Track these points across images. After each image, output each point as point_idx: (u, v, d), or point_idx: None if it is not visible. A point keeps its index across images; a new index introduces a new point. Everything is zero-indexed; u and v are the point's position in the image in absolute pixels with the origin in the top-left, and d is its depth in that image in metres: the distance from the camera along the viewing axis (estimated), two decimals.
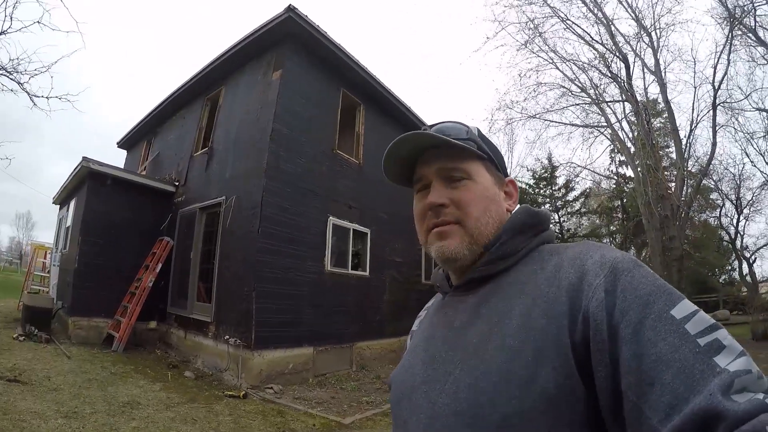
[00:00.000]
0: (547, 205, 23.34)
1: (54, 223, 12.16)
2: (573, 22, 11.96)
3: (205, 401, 5.25)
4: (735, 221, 17.71)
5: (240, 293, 6.78)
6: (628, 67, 11.48)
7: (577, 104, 13.35)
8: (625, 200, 23.24)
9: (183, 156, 9.85)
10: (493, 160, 0.81)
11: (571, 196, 24.60)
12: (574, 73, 12.72)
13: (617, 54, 11.50)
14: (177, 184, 9.64)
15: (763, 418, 0.41)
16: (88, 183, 8.51)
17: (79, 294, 7.95)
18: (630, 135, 12.85)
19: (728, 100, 11.49)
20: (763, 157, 15.28)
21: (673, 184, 12.80)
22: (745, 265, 18.22)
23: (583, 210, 25.36)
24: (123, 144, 13.56)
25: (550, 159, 22.86)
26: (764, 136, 14.30)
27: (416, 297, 11.13)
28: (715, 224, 18.56)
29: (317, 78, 8.65)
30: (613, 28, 11.46)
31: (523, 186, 23.28)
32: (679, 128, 11.88)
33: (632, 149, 12.77)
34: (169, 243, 8.92)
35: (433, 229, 0.77)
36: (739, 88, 12.99)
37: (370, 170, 9.79)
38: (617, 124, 12.75)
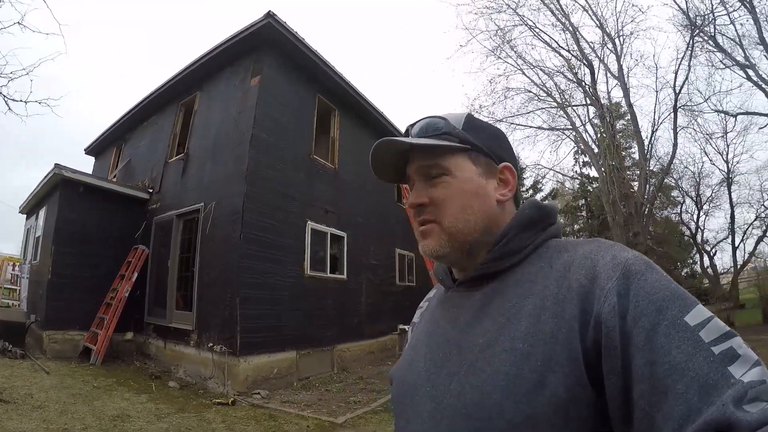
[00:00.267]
0: None
1: (14, 233, 11.78)
2: (541, 30, 12.37)
3: (195, 410, 5.24)
4: (695, 217, 18.68)
5: (223, 300, 6.76)
6: (593, 73, 11.97)
7: (544, 108, 13.78)
8: (589, 199, 23.99)
9: (156, 162, 9.69)
10: (481, 149, 0.77)
11: (538, 197, 25.24)
12: (540, 79, 13.15)
13: (583, 60, 11.96)
14: (151, 191, 9.47)
15: None
16: (60, 191, 8.26)
17: (53, 306, 7.70)
18: (594, 137, 13.37)
19: (688, 104, 12.13)
20: (721, 155, 16.22)
21: (636, 183, 13.35)
22: (706, 258, 19.03)
23: None
24: (91, 150, 13.17)
25: (517, 161, 23.26)
26: (722, 136, 15.19)
27: (392, 299, 11.37)
28: (676, 220, 19.34)
29: (294, 84, 8.72)
30: (578, 35, 11.91)
31: None
32: (641, 130, 12.43)
33: (596, 150, 13.27)
34: (144, 251, 8.78)
35: (419, 227, 0.77)
36: (699, 91, 13.75)
37: (345, 175, 9.93)
38: (582, 127, 13.23)
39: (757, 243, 17.40)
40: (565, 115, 13.18)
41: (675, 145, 11.57)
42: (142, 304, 8.56)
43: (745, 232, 18.07)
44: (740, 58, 11.15)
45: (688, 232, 18.69)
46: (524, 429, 0.56)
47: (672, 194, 18.86)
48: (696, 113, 12.94)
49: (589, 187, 22.95)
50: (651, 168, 12.88)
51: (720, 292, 16.76)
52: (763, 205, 17.42)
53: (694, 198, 18.05)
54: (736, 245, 17.95)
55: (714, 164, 17.48)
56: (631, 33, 11.91)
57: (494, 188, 0.76)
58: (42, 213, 9.30)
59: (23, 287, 10.78)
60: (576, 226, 26.39)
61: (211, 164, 8.13)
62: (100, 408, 4.87)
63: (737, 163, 17.14)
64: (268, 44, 7.95)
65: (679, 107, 11.33)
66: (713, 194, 18.16)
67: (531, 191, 24.83)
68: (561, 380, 0.55)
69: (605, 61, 12.25)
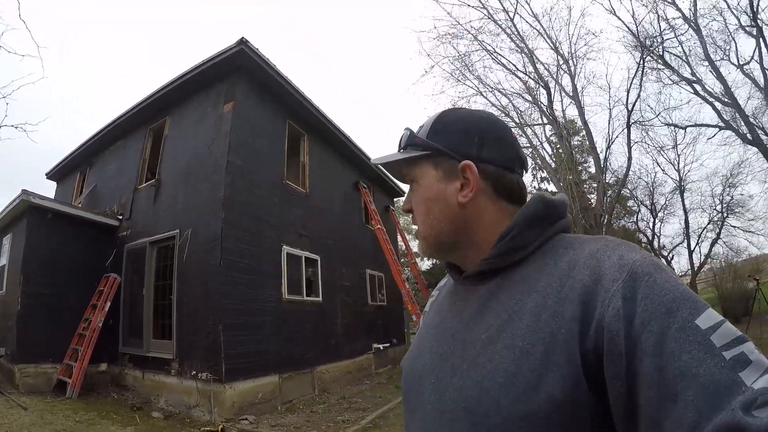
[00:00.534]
0: None
1: None
2: (499, 54, 12.97)
3: None
4: (651, 224, 19.45)
5: (204, 327, 6.77)
6: (549, 94, 12.61)
7: None
8: None
9: (125, 188, 9.56)
10: (444, 152, 0.77)
11: None
12: (499, 101, 13.73)
13: (539, 82, 12.60)
14: (120, 217, 9.33)
15: None
16: (27, 218, 8.01)
17: (24, 339, 7.43)
18: (551, 153, 14.06)
19: (640, 120, 12.99)
20: (673, 165, 17.30)
21: (593, 195, 14.07)
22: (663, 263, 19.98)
23: None
24: (53, 175, 12.76)
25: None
26: (673, 147, 16.27)
27: (365, 319, 11.60)
28: (633, 228, 20.04)
29: (265, 109, 8.89)
30: (535, 58, 12.55)
31: None
32: (596, 146, 13.16)
33: (553, 165, 13.93)
34: (116, 279, 8.61)
35: None
36: (650, 107, 14.76)
37: (315, 199, 10.18)
38: (540, 145, 13.87)
39: (712, 245, 18.33)
40: (523, 135, 13.78)
41: (629, 158, 12.32)
42: (116, 333, 8.36)
43: (699, 236, 18.95)
44: (687, 75, 12.07)
45: (645, 239, 19.37)
46: (521, 427, 0.56)
47: (628, 204, 19.69)
48: (647, 127, 13.89)
49: None
50: (607, 180, 13.64)
51: None
52: (715, 209, 18.36)
53: (649, 206, 18.91)
54: (692, 249, 18.82)
55: (666, 174, 18.47)
56: (585, 55, 12.66)
57: (456, 190, 0.75)
58: (6, 241, 8.98)
59: None
60: None
61: (184, 190, 8.12)
62: None
63: (688, 171, 18.16)
64: (240, 70, 8.10)
65: (632, 123, 12.11)
66: (667, 202, 19.01)
67: None
68: (558, 381, 0.55)
69: (560, 82, 12.96)
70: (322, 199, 10.54)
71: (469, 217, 0.75)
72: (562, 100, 13.38)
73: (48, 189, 13.02)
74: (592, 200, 13.36)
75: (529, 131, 13.45)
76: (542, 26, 12.48)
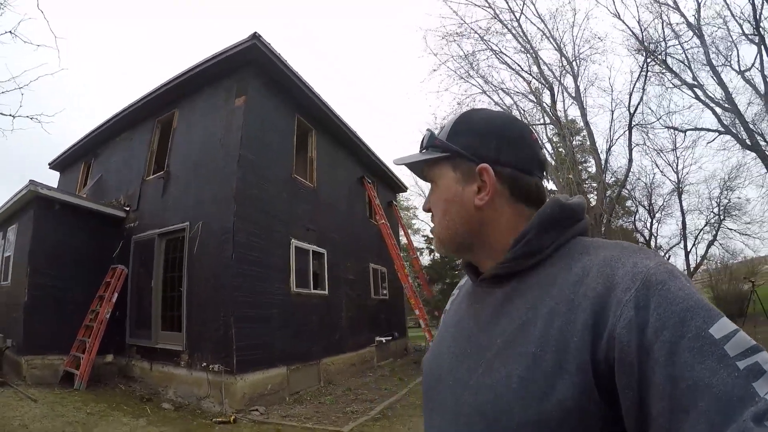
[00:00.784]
0: None
1: None
2: (504, 54, 13.07)
3: (201, 430, 5.31)
4: (649, 224, 19.72)
5: (216, 319, 6.82)
6: (553, 94, 12.75)
7: None
8: None
9: (132, 180, 9.55)
10: (463, 154, 0.77)
11: None
12: (502, 100, 13.85)
13: (543, 83, 12.72)
14: (128, 209, 9.33)
15: None
16: (34, 209, 7.99)
17: (31, 330, 7.42)
18: (551, 151, 14.21)
19: (642, 122, 13.17)
20: (671, 167, 17.52)
21: (593, 195, 14.24)
22: None
23: None
24: (56, 165, 12.69)
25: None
26: (673, 150, 16.48)
27: (368, 312, 11.70)
28: (630, 229, 20.25)
29: (276, 104, 8.91)
30: (540, 59, 12.66)
31: None
32: (597, 146, 13.32)
33: (553, 164, 14.08)
34: (123, 271, 8.63)
35: None
36: (651, 110, 14.90)
37: (322, 193, 10.25)
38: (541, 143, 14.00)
39: (708, 247, 18.58)
40: None
41: (630, 160, 12.53)
42: (123, 325, 8.39)
43: (696, 237, 19.21)
44: (689, 79, 12.24)
45: (642, 240, 19.55)
46: None
47: (626, 204, 19.90)
48: (647, 129, 14.08)
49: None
50: (607, 181, 13.81)
51: None
52: (712, 211, 18.60)
53: (647, 207, 19.18)
54: (689, 250, 19.10)
55: (665, 175, 18.84)
56: (588, 56, 12.80)
57: (473, 193, 0.76)
58: (12, 231, 8.95)
59: None
60: None
61: (194, 183, 8.13)
62: None
63: (687, 174, 18.45)
64: (252, 65, 8.10)
65: (634, 125, 12.26)
66: (665, 203, 19.26)
67: None
68: (569, 388, 0.55)
69: (563, 83, 13.09)
70: (329, 194, 10.60)
71: (485, 219, 0.76)
72: (564, 101, 13.55)
73: (48, 179, 12.98)
74: (593, 200, 13.52)
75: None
76: (547, 28, 12.62)
